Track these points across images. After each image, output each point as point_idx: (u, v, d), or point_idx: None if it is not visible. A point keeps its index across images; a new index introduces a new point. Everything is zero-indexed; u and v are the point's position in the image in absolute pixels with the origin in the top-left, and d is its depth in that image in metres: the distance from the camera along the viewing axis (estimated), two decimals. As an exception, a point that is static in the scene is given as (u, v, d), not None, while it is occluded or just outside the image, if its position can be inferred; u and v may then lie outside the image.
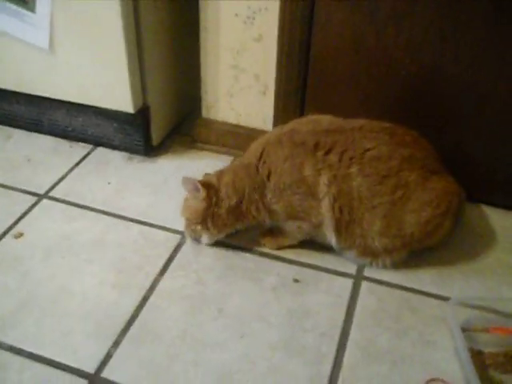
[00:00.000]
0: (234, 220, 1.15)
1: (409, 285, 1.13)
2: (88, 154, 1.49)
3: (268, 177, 1.12)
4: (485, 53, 1.17)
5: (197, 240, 1.20)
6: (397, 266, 1.15)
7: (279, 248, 1.20)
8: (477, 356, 0.98)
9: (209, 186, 1.13)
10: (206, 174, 1.20)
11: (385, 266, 1.15)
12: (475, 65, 1.19)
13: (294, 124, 1.18)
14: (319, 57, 1.29)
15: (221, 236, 1.18)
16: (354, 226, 1.10)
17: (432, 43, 1.19)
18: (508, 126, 1.24)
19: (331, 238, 1.13)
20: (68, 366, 0.95)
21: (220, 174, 1.18)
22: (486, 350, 1.00)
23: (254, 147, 1.17)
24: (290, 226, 1.16)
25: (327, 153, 1.09)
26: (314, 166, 1.08)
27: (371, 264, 1.15)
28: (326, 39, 1.26)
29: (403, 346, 1.01)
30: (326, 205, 1.09)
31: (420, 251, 1.17)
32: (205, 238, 1.18)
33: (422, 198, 1.09)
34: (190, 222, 1.17)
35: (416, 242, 1.13)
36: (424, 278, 1.15)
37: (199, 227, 1.16)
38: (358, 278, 1.14)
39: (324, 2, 1.21)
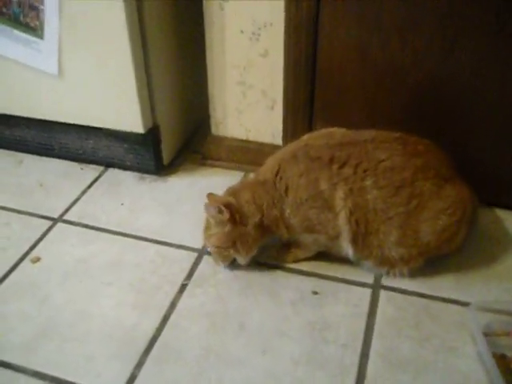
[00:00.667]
0: (261, 236, 1.15)
1: (427, 292, 1.13)
2: (99, 175, 1.50)
3: (286, 192, 1.12)
4: (489, 60, 1.18)
5: (231, 265, 1.19)
6: (414, 273, 1.15)
7: (295, 261, 1.21)
8: (500, 360, 0.98)
9: (230, 206, 1.12)
10: (212, 195, 1.18)
11: (402, 275, 1.15)
12: (480, 72, 1.20)
13: (307, 139, 1.19)
14: (326, 69, 1.30)
15: (253, 254, 1.17)
16: (370, 237, 1.11)
17: (436, 52, 1.20)
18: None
19: (348, 250, 1.13)
20: (93, 389, 0.96)
21: (234, 192, 1.17)
22: (509, 353, 1.00)
23: (270, 164, 1.18)
24: (307, 239, 1.16)
25: (342, 166, 1.10)
26: (329, 180, 1.09)
27: (388, 273, 1.16)
28: (332, 51, 1.27)
29: (425, 353, 1.01)
30: (342, 218, 1.10)
31: (436, 258, 1.17)
32: (241, 260, 1.17)
33: (437, 207, 1.10)
34: (219, 250, 1.16)
35: (433, 250, 1.13)
36: (442, 284, 1.15)
37: (231, 251, 1.15)
38: (376, 288, 1.15)
39: (329, 15, 1.22)
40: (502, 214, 1.34)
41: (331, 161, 1.10)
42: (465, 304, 1.09)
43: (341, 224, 1.10)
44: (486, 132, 1.27)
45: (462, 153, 1.27)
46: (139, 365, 1.00)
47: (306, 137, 1.21)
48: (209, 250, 1.20)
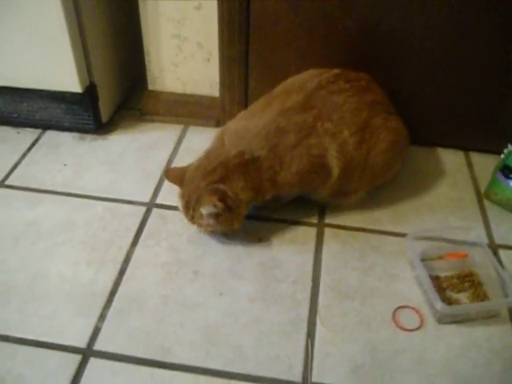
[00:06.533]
0: (248, 205, 1.14)
1: (368, 226, 1.22)
2: (38, 138, 1.48)
3: (280, 166, 1.11)
4: (414, 6, 1.23)
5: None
6: (354, 209, 1.24)
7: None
8: (435, 281, 1.09)
9: (225, 198, 1.08)
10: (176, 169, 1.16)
11: (351, 203, 1.24)
12: (407, 16, 1.25)
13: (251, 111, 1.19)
14: (259, 21, 1.32)
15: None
16: (347, 183, 1.18)
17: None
18: (443, 69, 1.33)
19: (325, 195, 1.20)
20: (59, 345, 0.98)
21: (224, 176, 1.09)
22: (442, 274, 1.11)
23: (254, 140, 1.11)
24: (293, 193, 1.22)
25: (322, 122, 1.12)
26: (321, 144, 1.12)
27: (339, 202, 1.24)
28: (265, 3, 1.29)
29: (370, 281, 1.10)
30: (335, 174, 1.14)
31: (374, 191, 1.26)
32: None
33: (388, 139, 1.17)
34: (207, 229, 1.15)
35: (377, 180, 1.23)
36: (381, 218, 1.24)
37: (222, 227, 1.15)
38: (320, 226, 1.22)
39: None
40: (430, 151, 1.45)
41: (316, 119, 1.12)
42: (402, 235, 1.17)
43: (332, 179, 1.15)
44: (417, 71, 1.34)
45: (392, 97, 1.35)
46: (102, 318, 1.02)
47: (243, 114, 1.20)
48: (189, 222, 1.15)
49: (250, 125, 1.13)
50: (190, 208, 1.11)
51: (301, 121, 1.11)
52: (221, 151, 1.12)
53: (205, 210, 1.07)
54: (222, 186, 1.08)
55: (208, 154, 1.13)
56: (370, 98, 1.17)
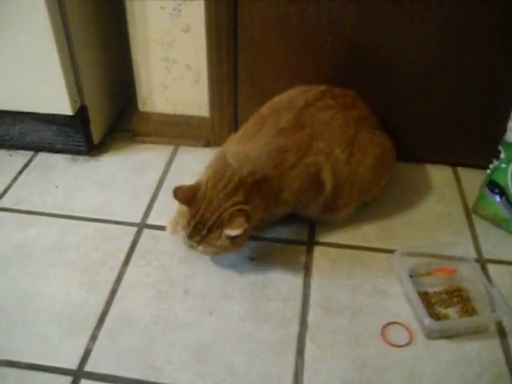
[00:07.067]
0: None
1: (356, 243, 1.23)
2: (30, 160, 1.49)
3: (283, 185, 1.12)
4: (399, 26, 1.26)
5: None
6: (344, 226, 1.26)
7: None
8: (424, 296, 1.09)
9: (248, 218, 1.06)
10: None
11: (340, 219, 1.25)
12: (396, 34, 1.28)
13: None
14: (247, 40, 1.34)
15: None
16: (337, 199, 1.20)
17: (350, 19, 1.26)
18: (430, 87, 1.35)
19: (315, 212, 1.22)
20: (49, 367, 0.98)
21: (246, 196, 1.07)
22: (431, 290, 1.11)
23: (262, 160, 1.11)
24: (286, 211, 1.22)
25: (317, 141, 1.14)
26: (317, 162, 1.14)
27: (329, 219, 1.25)
28: (252, 23, 1.31)
29: (359, 298, 1.10)
30: (328, 188, 1.17)
31: (362, 209, 1.27)
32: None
33: (374, 153, 1.19)
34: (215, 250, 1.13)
35: (365, 195, 1.24)
36: (369, 234, 1.25)
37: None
38: (310, 244, 1.23)
39: (247, -13, 1.26)
40: (419, 167, 1.47)
41: (311, 138, 1.14)
42: (391, 251, 1.18)
43: (324, 195, 1.17)
44: (403, 92, 1.37)
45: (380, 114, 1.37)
46: (93, 339, 1.03)
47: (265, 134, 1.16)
48: (190, 247, 1.13)
49: (250, 146, 1.13)
50: (204, 229, 1.06)
51: (298, 140, 1.13)
52: (231, 170, 1.09)
53: (234, 232, 1.05)
54: (246, 207, 1.06)
55: (217, 173, 1.09)
56: (356, 113, 1.20)
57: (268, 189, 1.10)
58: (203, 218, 1.06)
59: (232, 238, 1.07)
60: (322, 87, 1.22)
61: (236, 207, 1.05)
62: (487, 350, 1.01)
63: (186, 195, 1.08)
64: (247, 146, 1.14)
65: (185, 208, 1.09)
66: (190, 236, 1.09)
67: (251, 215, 1.07)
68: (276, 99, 1.23)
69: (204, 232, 1.06)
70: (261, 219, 1.14)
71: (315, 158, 1.13)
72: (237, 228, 1.04)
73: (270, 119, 1.17)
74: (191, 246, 1.12)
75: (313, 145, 1.14)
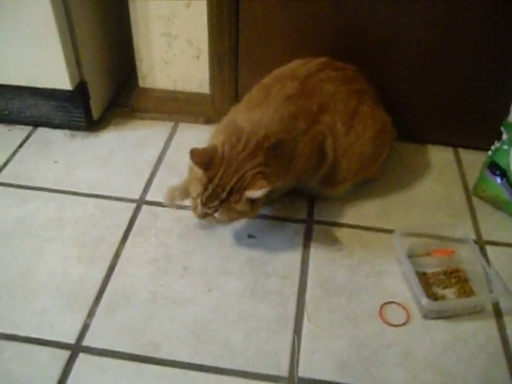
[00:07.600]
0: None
1: (356, 223, 1.23)
2: (29, 135, 1.48)
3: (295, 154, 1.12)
4: (403, 5, 1.24)
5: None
6: (343, 205, 1.26)
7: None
8: (422, 277, 1.10)
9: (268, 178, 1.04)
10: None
11: (339, 194, 1.25)
12: (398, 17, 1.26)
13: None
14: (249, 19, 1.33)
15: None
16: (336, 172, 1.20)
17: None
18: (432, 66, 1.34)
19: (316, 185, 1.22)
20: (47, 341, 0.98)
21: (266, 162, 1.05)
22: (429, 270, 1.12)
23: (271, 131, 1.08)
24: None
25: (324, 113, 1.14)
26: (323, 130, 1.15)
27: (328, 193, 1.25)
28: (254, 1, 1.30)
29: (357, 278, 1.10)
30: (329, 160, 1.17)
31: (362, 188, 1.27)
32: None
33: (374, 127, 1.19)
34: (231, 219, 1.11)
35: (364, 171, 1.23)
36: (369, 214, 1.25)
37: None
38: (309, 222, 1.23)
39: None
40: (419, 147, 1.46)
41: (318, 108, 1.14)
42: (390, 231, 1.18)
43: (326, 165, 1.17)
44: (404, 72, 1.35)
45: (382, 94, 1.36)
46: (91, 314, 1.03)
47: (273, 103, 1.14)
48: (199, 215, 1.09)
49: (259, 113, 1.10)
50: (223, 192, 1.02)
51: (306, 107, 1.13)
52: (247, 134, 1.06)
53: (256, 194, 1.01)
54: (266, 169, 1.04)
55: (232, 136, 1.06)
56: (358, 86, 1.20)
57: (282, 154, 1.08)
58: (222, 180, 1.02)
59: (252, 202, 1.05)
60: (323, 59, 1.22)
61: (257, 169, 1.03)
62: (483, 330, 1.01)
63: (202, 158, 1.03)
64: (256, 114, 1.11)
65: (199, 173, 1.04)
66: (207, 202, 1.04)
67: (271, 178, 1.04)
68: (276, 71, 1.22)
69: (224, 195, 1.03)
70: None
71: (321, 127, 1.14)
72: (259, 189, 1.00)
73: (274, 88, 1.15)
74: (204, 216, 1.08)
75: (320, 116, 1.14)
